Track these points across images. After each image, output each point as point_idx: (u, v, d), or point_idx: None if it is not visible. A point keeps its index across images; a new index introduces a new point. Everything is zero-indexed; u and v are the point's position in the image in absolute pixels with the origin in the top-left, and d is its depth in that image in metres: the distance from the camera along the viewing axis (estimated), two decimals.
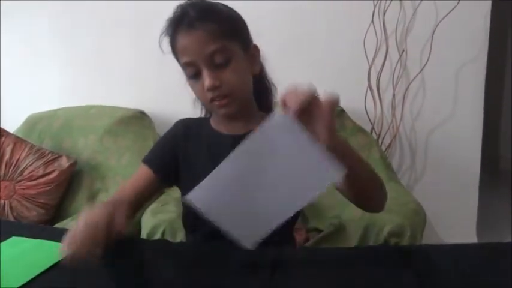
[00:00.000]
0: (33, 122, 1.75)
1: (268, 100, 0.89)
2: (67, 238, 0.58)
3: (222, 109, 0.76)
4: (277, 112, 0.56)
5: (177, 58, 0.78)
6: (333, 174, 0.55)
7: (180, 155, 0.83)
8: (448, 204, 1.66)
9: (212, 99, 0.74)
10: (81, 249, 0.57)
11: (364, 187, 0.68)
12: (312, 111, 0.56)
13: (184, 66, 0.75)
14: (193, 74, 0.74)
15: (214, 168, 0.79)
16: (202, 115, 0.91)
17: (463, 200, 1.67)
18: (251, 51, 0.80)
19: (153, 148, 0.87)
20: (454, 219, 1.67)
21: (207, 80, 0.72)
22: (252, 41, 0.81)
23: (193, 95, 0.86)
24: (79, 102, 1.79)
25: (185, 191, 0.84)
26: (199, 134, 0.84)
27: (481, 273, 0.60)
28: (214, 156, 0.80)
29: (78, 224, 0.59)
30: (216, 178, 0.57)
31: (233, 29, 0.76)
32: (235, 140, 0.79)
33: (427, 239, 1.39)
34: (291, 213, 0.58)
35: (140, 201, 0.82)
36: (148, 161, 0.83)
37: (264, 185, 0.57)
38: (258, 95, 0.84)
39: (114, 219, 0.61)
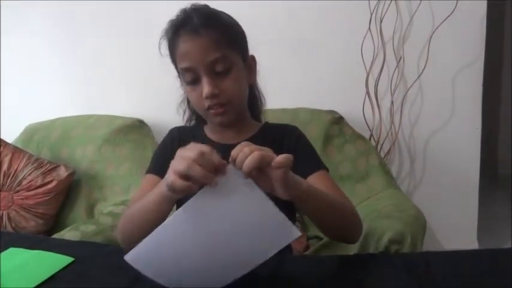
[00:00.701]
0: (32, 132, 1.75)
1: (258, 109, 0.90)
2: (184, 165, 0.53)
3: (217, 117, 0.76)
4: (231, 167, 0.53)
5: (175, 62, 0.78)
6: (288, 234, 0.53)
7: None
8: (448, 210, 1.66)
9: (209, 107, 0.75)
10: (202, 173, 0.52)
11: (334, 223, 0.69)
12: (263, 168, 0.53)
13: (183, 71, 0.75)
14: (192, 80, 0.74)
15: None
16: (184, 121, 0.91)
17: (463, 206, 1.67)
18: (249, 61, 0.81)
19: (153, 158, 0.87)
20: (454, 225, 1.67)
21: (206, 88, 0.72)
22: (249, 52, 0.82)
23: (180, 100, 0.87)
24: (77, 112, 1.80)
25: (179, 201, 0.83)
26: (194, 141, 0.84)
27: (482, 280, 0.60)
28: None
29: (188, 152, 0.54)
30: (157, 236, 0.54)
31: (235, 38, 0.77)
32: (227, 149, 0.79)
33: (428, 245, 1.38)
34: (244, 272, 0.55)
35: None
36: (152, 169, 0.83)
37: (214, 243, 0.54)
38: (249, 104, 0.85)
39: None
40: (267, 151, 0.54)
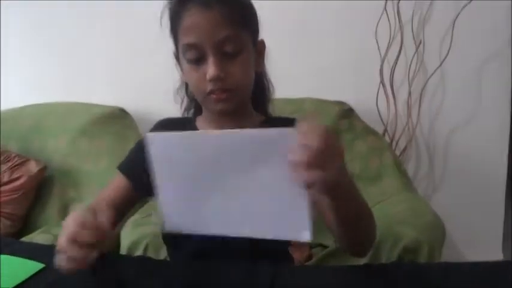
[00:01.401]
0: None
1: (265, 99, 0.89)
2: (62, 244, 0.59)
3: (218, 104, 0.75)
4: (290, 129, 0.52)
5: (176, 37, 0.76)
6: (298, 233, 0.55)
7: None
8: (470, 216, 1.67)
9: (210, 92, 0.73)
10: (80, 253, 0.58)
11: (359, 234, 0.69)
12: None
13: (186, 47, 0.73)
14: (195, 59, 0.73)
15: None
16: (182, 110, 0.90)
17: (487, 212, 1.68)
18: (259, 46, 0.80)
19: (128, 154, 0.86)
20: (477, 233, 1.68)
21: (211, 69, 0.71)
22: (259, 35, 0.81)
23: (176, 86, 0.86)
24: (50, 99, 1.79)
25: None
26: None
27: None
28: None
29: (67, 227, 0.60)
30: (187, 139, 0.61)
31: (248, 17, 0.76)
32: None
33: (447, 256, 1.39)
34: (247, 232, 0.60)
35: (118, 213, 0.81)
36: (122, 168, 0.83)
37: (230, 186, 0.59)
38: (255, 93, 0.84)
39: (98, 218, 0.61)
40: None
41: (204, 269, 0.72)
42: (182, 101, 0.90)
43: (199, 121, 0.86)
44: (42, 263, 0.73)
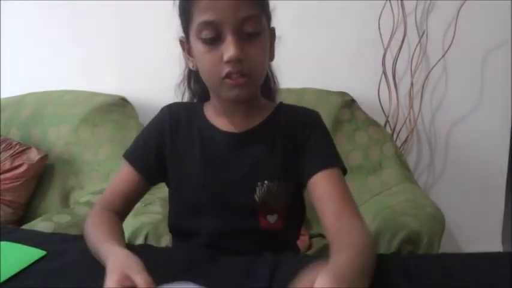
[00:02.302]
0: None
1: (271, 89, 0.87)
2: None
3: (235, 89, 0.70)
4: None
5: (189, 17, 0.71)
6: None
7: (167, 149, 0.81)
8: (470, 208, 1.68)
9: (227, 75, 0.69)
10: None
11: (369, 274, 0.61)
12: None
13: (203, 25, 0.68)
14: (211, 38, 0.68)
15: (205, 168, 0.78)
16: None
17: (487, 205, 1.69)
18: (271, 34, 0.77)
19: (135, 141, 0.84)
20: (477, 225, 1.69)
21: (231, 49, 0.66)
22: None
23: (180, 77, 0.84)
24: (51, 87, 1.79)
25: (172, 188, 0.84)
26: (191, 125, 0.81)
27: (506, 282, 0.61)
28: (206, 155, 0.79)
29: None
30: None
31: (266, 1, 0.74)
32: (232, 140, 0.78)
33: (446, 247, 1.40)
34: None
35: (128, 206, 0.82)
36: (130, 158, 0.82)
37: None
38: (263, 83, 0.80)
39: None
40: None
41: (207, 257, 0.72)
42: (183, 95, 0.87)
43: (208, 110, 0.82)
44: (44, 250, 0.74)
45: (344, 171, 0.77)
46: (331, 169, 0.74)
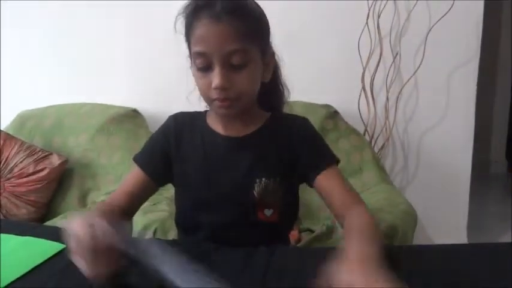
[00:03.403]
0: (24, 119, 1.73)
1: (278, 102, 0.85)
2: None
3: (221, 110, 0.72)
4: None
5: (189, 43, 0.73)
6: None
7: (172, 153, 0.80)
8: (439, 206, 1.68)
9: (215, 99, 0.71)
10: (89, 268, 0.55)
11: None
12: None
13: (196, 55, 0.70)
14: (203, 67, 0.70)
15: (208, 168, 0.78)
16: (201, 109, 0.86)
17: (454, 203, 1.69)
18: (268, 58, 0.76)
19: (144, 147, 0.84)
20: (445, 221, 1.69)
21: (217, 79, 0.68)
22: (270, 48, 0.77)
23: (192, 87, 0.83)
24: (70, 100, 1.78)
25: (178, 188, 0.83)
26: (194, 131, 0.81)
27: (472, 273, 0.61)
28: (208, 157, 0.79)
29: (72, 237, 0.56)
30: None
31: (258, 31, 0.73)
32: (231, 143, 0.79)
33: (418, 240, 1.40)
34: None
35: (134, 205, 0.80)
36: (139, 161, 0.81)
37: None
38: (268, 96, 0.80)
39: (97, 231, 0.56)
40: None
41: (208, 248, 0.72)
42: (200, 100, 0.84)
43: (210, 117, 0.82)
44: (64, 244, 0.73)
45: (338, 161, 0.79)
46: (329, 168, 0.76)
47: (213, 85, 0.68)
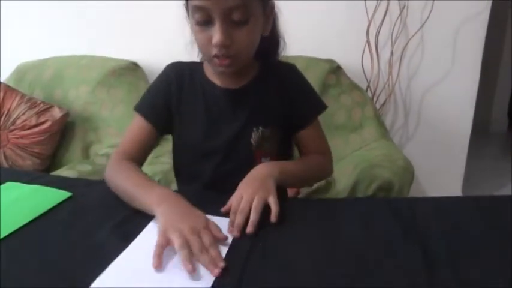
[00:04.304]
0: (23, 72, 1.71)
1: (274, 54, 0.85)
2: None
3: (221, 67, 0.71)
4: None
5: None
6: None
7: (173, 103, 0.80)
8: (437, 163, 1.70)
9: (215, 55, 0.69)
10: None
11: (308, 182, 0.94)
12: None
13: (195, 9, 0.67)
14: (203, 21, 0.67)
15: (209, 119, 0.79)
16: (198, 59, 0.86)
17: (452, 160, 1.71)
18: (268, 10, 0.74)
19: (146, 97, 0.83)
20: (442, 177, 1.72)
21: (218, 35, 0.66)
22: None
23: (190, 38, 0.81)
24: (68, 52, 1.75)
25: (178, 138, 0.84)
26: (193, 82, 0.81)
27: (464, 223, 0.63)
28: (208, 109, 0.80)
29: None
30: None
31: None
32: (230, 95, 0.79)
33: (414, 194, 1.43)
34: None
35: (144, 154, 0.81)
36: (142, 111, 0.80)
37: None
38: (262, 48, 0.79)
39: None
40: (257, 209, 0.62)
41: (208, 196, 0.75)
42: (198, 54, 0.84)
43: (207, 69, 0.82)
44: (69, 191, 0.76)
45: (325, 108, 0.85)
46: (314, 121, 0.83)
47: (214, 42, 0.67)
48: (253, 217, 0.61)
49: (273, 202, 0.64)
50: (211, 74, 0.81)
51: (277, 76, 0.81)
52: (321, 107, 0.84)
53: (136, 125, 0.81)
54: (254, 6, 0.68)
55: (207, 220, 0.60)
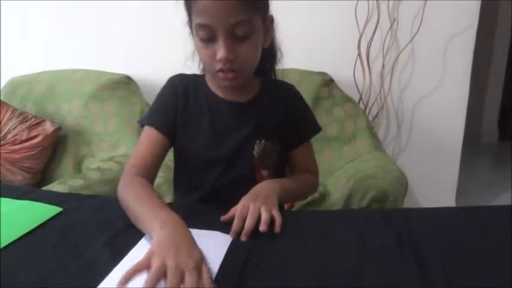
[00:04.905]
0: (15, 86, 1.70)
1: (271, 65, 0.87)
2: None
3: (226, 81, 0.72)
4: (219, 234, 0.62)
5: (190, 12, 0.71)
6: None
7: (178, 114, 0.80)
8: (430, 174, 1.71)
9: (219, 70, 0.70)
10: None
11: (301, 199, 1.04)
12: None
13: (199, 27, 0.68)
14: (207, 38, 0.69)
15: (213, 130, 0.79)
16: (200, 70, 0.86)
17: (445, 171, 1.72)
18: (267, 23, 0.75)
19: (154, 108, 0.81)
20: (435, 188, 1.73)
21: (222, 51, 0.67)
22: (269, 11, 0.76)
23: (189, 53, 0.81)
24: (62, 66, 1.74)
25: (181, 149, 0.83)
26: (198, 94, 0.81)
27: (457, 234, 0.63)
28: (213, 121, 0.80)
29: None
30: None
31: (260, 0, 0.72)
32: (236, 108, 0.80)
33: (407, 205, 1.43)
34: None
35: (156, 168, 0.79)
36: (155, 123, 0.78)
37: None
38: (261, 62, 0.79)
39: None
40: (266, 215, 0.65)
41: (204, 209, 0.74)
42: (199, 64, 0.85)
43: (210, 82, 0.82)
44: (60, 207, 0.74)
45: (319, 130, 0.90)
46: (306, 143, 0.88)
47: (218, 57, 0.68)
48: (264, 216, 0.64)
49: (276, 214, 0.65)
50: (214, 87, 0.82)
51: (280, 94, 0.85)
52: (317, 128, 0.89)
53: (147, 138, 0.79)
54: (255, 20, 0.70)
55: (202, 262, 0.53)
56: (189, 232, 0.58)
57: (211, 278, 0.51)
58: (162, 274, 0.49)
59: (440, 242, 0.60)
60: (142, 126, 0.81)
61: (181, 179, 0.86)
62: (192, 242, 0.56)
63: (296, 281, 0.52)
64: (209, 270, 0.52)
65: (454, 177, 1.72)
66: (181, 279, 0.48)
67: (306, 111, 0.89)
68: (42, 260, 0.59)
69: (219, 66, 0.70)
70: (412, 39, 1.56)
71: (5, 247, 0.61)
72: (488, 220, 0.67)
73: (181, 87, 0.81)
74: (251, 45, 0.70)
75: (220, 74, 0.71)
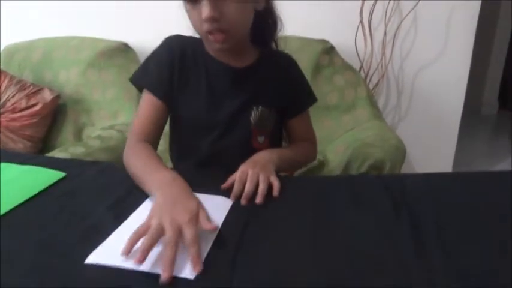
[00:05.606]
0: (11, 53, 1.67)
1: (270, 36, 0.85)
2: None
3: (216, 44, 0.71)
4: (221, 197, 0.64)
5: None
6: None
7: (175, 75, 0.78)
8: (428, 143, 1.72)
9: (208, 32, 0.68)
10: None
11: (296, 168, 1.00)
12: None
13: None
14: None
15: (211, 94, 0.79)
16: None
17: (444, 140, 1.73)
18: None
19: (149, 70, 0.80)
20: (433, 157, 1.74)
21: (205, 10, 0.65)
22: None
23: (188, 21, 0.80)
24: (57, 33, 1.71)
25: (178, 112, 0.83)
26: (196, 56, 0.80)
27: (453, 198, 0.64)
28: (211, 84, 0.79)
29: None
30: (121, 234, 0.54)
31: None
32: (234, 73, 0.79)
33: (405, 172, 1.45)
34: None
35: (159, 133, 0.80)
36: (152, 89, 0.78)
37: None
38: (259, 30, 0.79)
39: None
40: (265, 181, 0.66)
41: (202, 174, 0.75)
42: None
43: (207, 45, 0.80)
44: (63, 172, 0.75)
45: (316, 100, 0.90)
46: (304, 112, 0.88)
47: (203, 16, 0.66)
48: (262, 186, 0.64)
49: (274, 179, 0.67)
50: (212, 50, 0.79)
51: (278, 63, 0.84)
52: (313, 99, 0.90)
53: (147, 104, 0.78)
54: None
55: (199, 208, 0.54)
56: (185, 185, 0.60)
57: (208, 218, 0.54)
58: (161, 232, 0.50)
59: (436, 206, 0.61)
60: (136, 85, 0.81)
61: (177, 144, 0.87)
62: (187, 193, 0.59)
63: (293, 248, 0.53)
64: (206, 212, 0.55)
65: (452, 147, 1.73)
66: (180, 233, 0.50)
67: (303, 81, 0.89)
68: (47, 222, 0.60)
69: (205, 26, 0.68)
70: (415, 7, 1.52)
71: (10, 210, 0.63)
72: (485, 185, 0.68)
73: (177, 48, 0.79)
74: (239, 4, 0.67)
75: (210, 37, 0.69)
